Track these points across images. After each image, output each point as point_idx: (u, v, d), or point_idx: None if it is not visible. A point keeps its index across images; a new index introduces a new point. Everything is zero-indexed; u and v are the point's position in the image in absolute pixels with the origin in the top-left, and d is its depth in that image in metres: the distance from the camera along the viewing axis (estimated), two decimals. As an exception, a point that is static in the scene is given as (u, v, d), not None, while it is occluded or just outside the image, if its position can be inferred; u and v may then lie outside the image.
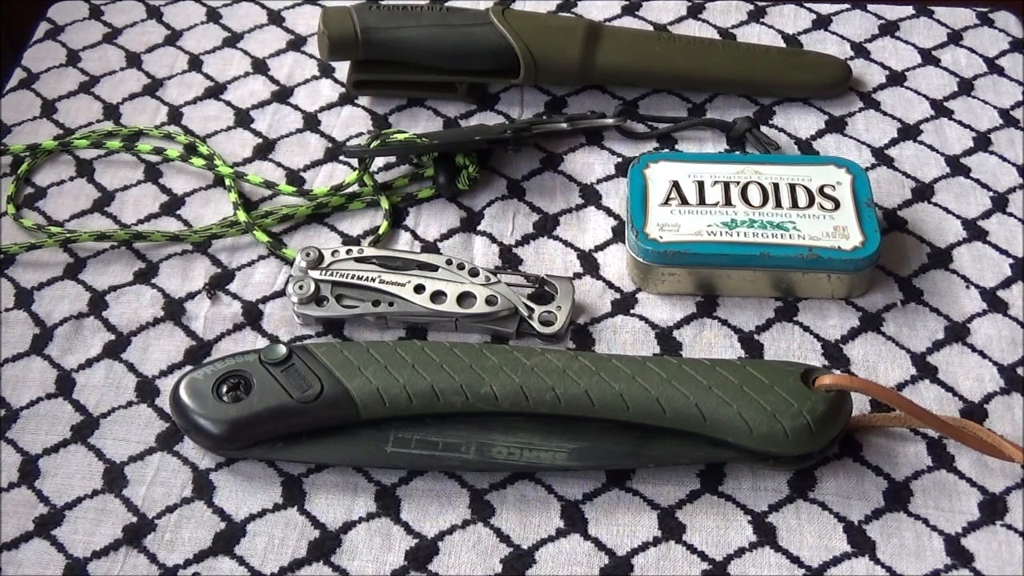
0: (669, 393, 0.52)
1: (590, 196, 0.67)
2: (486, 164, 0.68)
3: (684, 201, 0.61)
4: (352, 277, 0.60)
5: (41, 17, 0.79)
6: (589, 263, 0.63)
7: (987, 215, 0.65)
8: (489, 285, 0.60)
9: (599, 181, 0.68)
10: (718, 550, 0.52)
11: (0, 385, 0.58)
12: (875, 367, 0.58)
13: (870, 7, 0.78)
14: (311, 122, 0.72)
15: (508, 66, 0.70)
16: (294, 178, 0.68)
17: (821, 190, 0.61)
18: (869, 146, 0.69)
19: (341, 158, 0.69)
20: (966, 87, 0.72)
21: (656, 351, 0.59)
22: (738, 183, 0.62)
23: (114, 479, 0.54)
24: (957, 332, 0.60)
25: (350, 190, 0.66)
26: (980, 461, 0.54)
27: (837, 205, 0.61)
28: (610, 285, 0.62)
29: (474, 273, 0.60)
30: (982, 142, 0.69)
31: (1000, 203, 0.66)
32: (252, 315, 0.61)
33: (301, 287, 0.60)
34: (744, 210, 0.61)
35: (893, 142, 0.69)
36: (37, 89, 0.74)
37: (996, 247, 0.64)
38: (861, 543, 0.52)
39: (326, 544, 0.52)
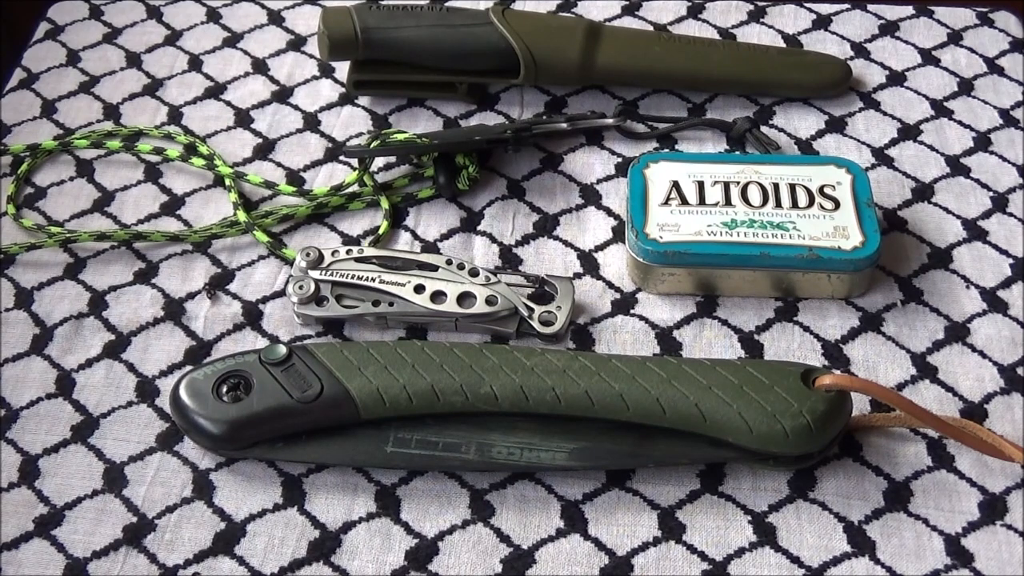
0: (669, 393, 0.52)
1: (590, 196, 0.67)
2: (486, 164, 0.68)
3: (684, 201, 0.61)
4: (352, 277, 0.60)
5: (41, 17, 0.79)
6: (589, 263, 0.63)
7: (987, 215, 0.65)
8: (489, 285, 0.60)
9: (599, 181, 0.68)
10: (718, 550, 0.52)
11: (0, 385, 0.58)
12: (875, 367, 0.58)
13: (870, 7, 0.78)
14: (311, 122, 0.72)
15: (508, 66, 0.70)
16: (294, 178, 0.68)
17: (821, 190, 0.61)
18: (869, 146, 0.69)
19: (341, 158, 0.69)
20: (966, 87, 0.72)
21: (656, 351, 0.59)
22: (738, 183, 0.62)
23: (114, 479, 0.54)
24: (957, 332, 0.60)
25: (350, 190, 0.66)
26: (980, 461, 0.54)
27: (837, 205, 0.61)
28: (610, 285, 0.62)
29: (474, 273, 0.60)
30: (982, 142, 0.69)
31: (1000, 203, 0.66)
32: (252, 315, 0.61)
33: (301, 287, 0.60)
34: (744, 210, 0.61)
35: (893, 142, 0.69)
36: (37, 89, 0.74)
37: (996, 247, 0.64)
38: (861, 543, 0.52)
39: (326, 544, 0.52)
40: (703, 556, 0.52)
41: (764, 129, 0.70)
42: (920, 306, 0.61)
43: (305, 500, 0.54)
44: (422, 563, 0.51)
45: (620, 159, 0.69)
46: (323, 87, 0.74)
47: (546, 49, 0.70)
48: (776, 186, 0.62)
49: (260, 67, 0.75)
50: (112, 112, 0.72)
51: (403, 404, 0.53)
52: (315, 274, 0.60)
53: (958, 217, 0.65)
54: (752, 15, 0.78)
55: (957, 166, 0.68)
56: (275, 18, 0.79)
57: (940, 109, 0.71)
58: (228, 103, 0.73)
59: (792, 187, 0.61)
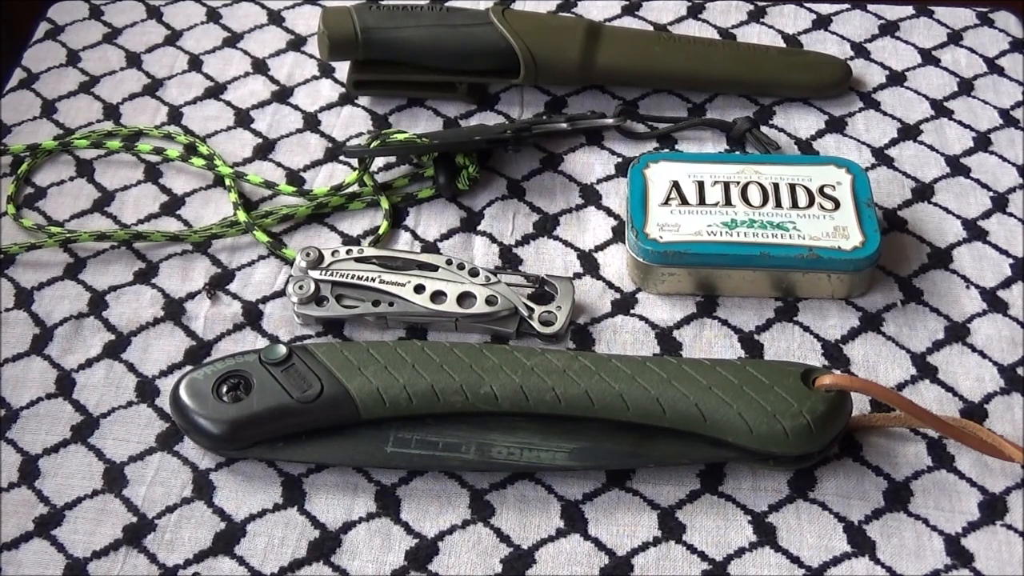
0: (669, 393, 0.52)
1: (590, 196, 0.67)
2: (486, 164, 0.68)
3: (684, 201, 0.61)
4: (352, 277, 0.60)
5: (41, 17, 0.79)
6: (589, 263, 0.63)
7: (987, 215, 0.65)
8: (489, 285, 0.60)
9: (599, 181, 0.68)
10: (718, 550, 0.52)
11: (0, 385, 0.58)
12: (875, 367, 0.58)
13: (870, 7, 0.78)
14: (311, 122, 0.72)
15: (508, 66, 0.70)
16: (294, 178, 0.68)
17: (821, 190, 0.61)
18: (869, 146, 0.69)
19: (341, 158, 0.69)
20: (966, 87, 0.72)
21: (656, 351, 0.59)
22: (738, 183, 0.62)
23: (114, 479, 0.54)
24: (957, 332, 0.60)
25: (350, 190, 0.66)
26: (980, 461, 0.54)
27: (837, 205, 0.61)
28: (610, 285, 0.62)
29: (474, 273, 0.60)
30: (982, 142, 0.69)
31: (1000, 203, 0.66)
32: (252, 315, 0.61)
33: (301, 287, 0.60)
34: (744, 210, 0.61)
35: (893, 142, 0.69)
36: (37, 89, 0.74)
37: (996, 247, 0.64)
38: (861, 543, 0.52)
39: (326, 544, 0.52)
40: (703, 556, 0.52)
41: (764, 129, 0.70)
42: (920, 306, 0.61)
43: (305, 500, 0.54)
44: (422, 563, 0.51)
45: (620, 159, 0.69)
46: (323, 87, 0.74)
47: (546, 49, 0.70)
48: (776, 186, 0.62)
49: (260, 67, 0.75)
50: (112, 112, 0.72)
51: (403, 404, 0.53)
52: (315, 274, 0.60)
53: (958, 217, 0.65)
54: (752, 15, 0.78)
55: (957, 166, 0.68)
56: (275, 18, 0.79)
57: (940, 109, 0.71)
58: (228, 103, 0.73)
59: (792, 187, 0.61)
